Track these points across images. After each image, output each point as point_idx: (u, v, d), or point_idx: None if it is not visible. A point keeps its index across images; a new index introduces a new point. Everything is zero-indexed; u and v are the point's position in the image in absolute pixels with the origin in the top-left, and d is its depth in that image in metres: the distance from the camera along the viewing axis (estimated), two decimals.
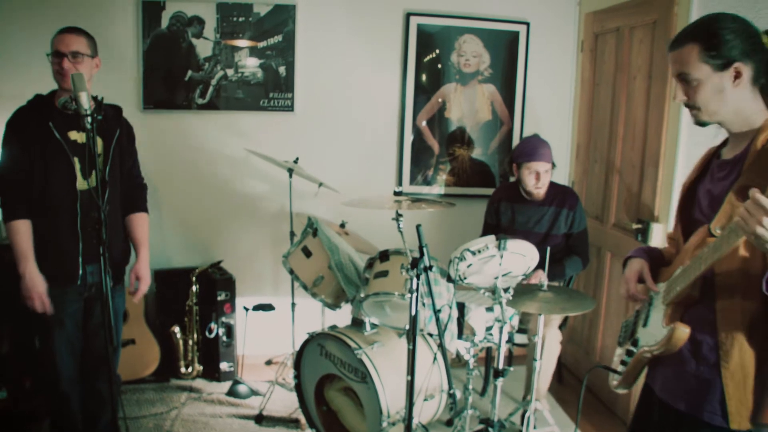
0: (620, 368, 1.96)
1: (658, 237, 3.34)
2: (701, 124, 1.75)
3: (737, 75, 1.66)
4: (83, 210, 2.68)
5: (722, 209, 1.65)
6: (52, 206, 2.67)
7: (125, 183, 2.94)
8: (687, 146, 3.17)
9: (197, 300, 3.99)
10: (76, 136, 2.68)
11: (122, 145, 2.86)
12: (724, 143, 1.85)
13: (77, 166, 2.67)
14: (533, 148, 3.56)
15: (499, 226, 3.83)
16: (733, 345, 1.64)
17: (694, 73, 1.67)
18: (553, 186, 3.69)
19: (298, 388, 3.27)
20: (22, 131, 2.64)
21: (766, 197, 1.36)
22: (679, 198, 1.97)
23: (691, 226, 1.82)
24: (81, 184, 2.68)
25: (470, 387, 3.16)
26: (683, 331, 1.69)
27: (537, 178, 3.57)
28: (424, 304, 2.70)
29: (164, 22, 3.90)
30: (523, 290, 2.98)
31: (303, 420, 3.33)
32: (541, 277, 3.09)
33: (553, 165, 3.61)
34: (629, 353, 1.92)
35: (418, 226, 2.38)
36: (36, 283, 2.63)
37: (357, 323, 3.19)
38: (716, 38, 1.65)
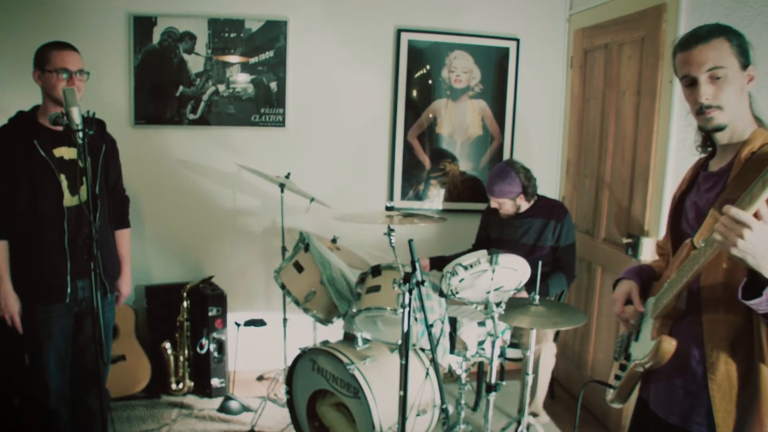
0: (614, 383, 1.97)
1: (649, 251, 3.36)
2: (718, 128, 1.71)
3: (751, 78, 1.69)
4: (71, 227, 2.67)
5: (705, 222, 1.67)
6: (39, 224, 2.66)
7: (112, 198, 2.94)
8: (676, 160, 3.20)
9: (188, 315, 3.97)
10: (62, 152, 2.68)
11: (108, 161, 2.86)
12: (712, 155, 1.86)
13: (64, 183, 2.66)
14: (491, 183, 3.66)
15: (489, 238, 3.87)
16: (719, 357, 1.66)
17: (728, 67, 1.65)
18: (542, 199, 3.73)
19: (290, 404, 3.25)
20: (5, 150, 2.62)
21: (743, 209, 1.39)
22: (669, 210, 1.98)
23: (680, 239, 1.84)
24: (68, 200, 2.68)
25: (462, 402, 3.16)
26: (670, 344, 1.70)
27: (498, 207, 3.69)
28: (416, 319, 2.70)
29: (156, 38, 3.91)
30: (515, 304, 2.98)
31: None
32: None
33: (526, 192, 3.62)
34: (622, 367, 1.93)
35: (410, 241, 2.38)
36: (8, 302, 2.65)
37: (349, 338, 3.18)
38: (741, 37, 1.68)
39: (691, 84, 1.71)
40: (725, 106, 1.67)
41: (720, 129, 1.71)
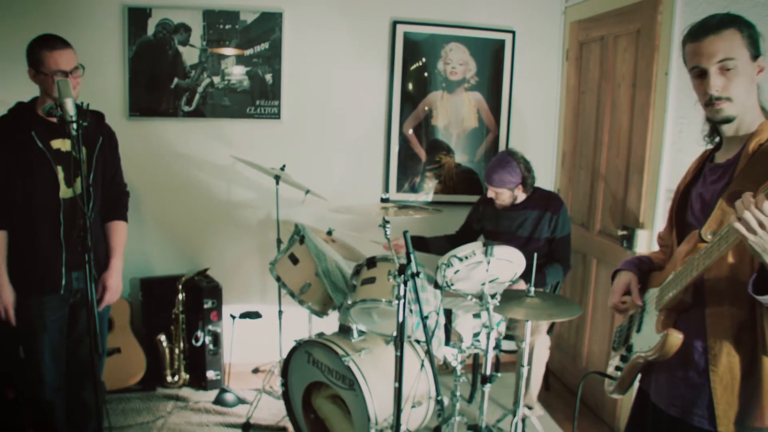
0: (615, 374, 1.96)
1: (644, 243, 3.36)
2: (727, 119, 1.69)
3: (761, 69, 1.67)
4: (66, 218, 2.67)
5: (713, 214, 1.66)
6: (35, 215, 2.65)
7: (108, 190, 2.92)
8: (671, 152, 3.21)
9: (183, 308, 3.97)
10: (59, 144, 2.67)
11: (105, 152, 2.85)
12: (718, 147, 1.84)
13: (61, 175, 2.65)
14: (490, 171, 3.63)
15: (482, 230, 3.87)
16: (722, 350, 1.65)
17: (738, 58, 1.63)
18: (538, 191, 3.72)
19: (286, 396, 3.26)
20: (3, 141, 2.61)
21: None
22: (672, 201, 1.97)
23: (685, 230, 1.82)
24: (64, 192, 2.67)
25: (458, 393, 3.16)
26: (676, 337, 1.69)
27: (495, 196, 3.68)
28: (411, 311, 2.70)
29: (150, 30, 3.89)
30: (510, 296, 2.99)
31: (291, 428, 3.32)
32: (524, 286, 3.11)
33: (525, 183, 3.62)
34: (624, 359, 1.92)
35: (405, 233, 2.38)
36: (4, 294, 2.63)
37: (344, 330, 3.19)
38: (752, 27, 1.66)
39: (700, 75, 1.69)
40: (735, 98, 1.66)
41: (729, 120, 1.69)
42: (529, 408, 3.60)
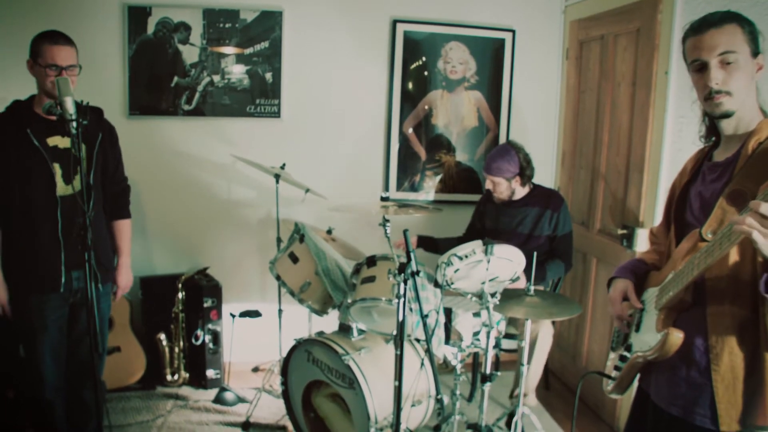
0: (614, 374, 1.96)
1: (644, 242, 3.36)
2: (725, 114, 1.69)
3: (760, 67, 1.68)
4: (64, 216, 2.66)
5: (713, 213, 1.65)
6: (34, 214, 2.65)
7: (110, 187, 2.92)
8: (671, 152, 3.21)
9: (183, 307, 3.97)
10: (55, 141, 2.66)
11: (105, 148, 2.84)
12: (716, 145, 1.83)
13: (58, 173, 2.65)
14: (490, 160, 3.64)
15: (483, 228, 3.87)
16: (724, 349, 1.65)
17: (739, 52, 1.64)
18: (538, 188, 3.73)
19: (285, 395, 3.26)
20: None
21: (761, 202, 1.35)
22: (668, 199, 1.96)
23: (684, 229, 1.81)
24: (62, 190, 2.66)
25: (458, 392, 3.16)
26: (677, 337, 1.68)
27: (493, 187, 3.66)
28: (411, 310, 2.70)
29: (150, 28, 3.89)
30: (510, 295, 2.98)
31: (290, 427, 3.32)
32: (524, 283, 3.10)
33: (523, 174, 3.62)
34: (623, 359, 1.91)
35: (405, 231, 2.38)
36: None
37: (344, 329, 3.19)
38: (752, 25, 1.67)
39: (701, 69, 1.69)
40: (734, 92, 1.65)
41: (728, 115, 1.69)
42: (524, 395, 3.59)
